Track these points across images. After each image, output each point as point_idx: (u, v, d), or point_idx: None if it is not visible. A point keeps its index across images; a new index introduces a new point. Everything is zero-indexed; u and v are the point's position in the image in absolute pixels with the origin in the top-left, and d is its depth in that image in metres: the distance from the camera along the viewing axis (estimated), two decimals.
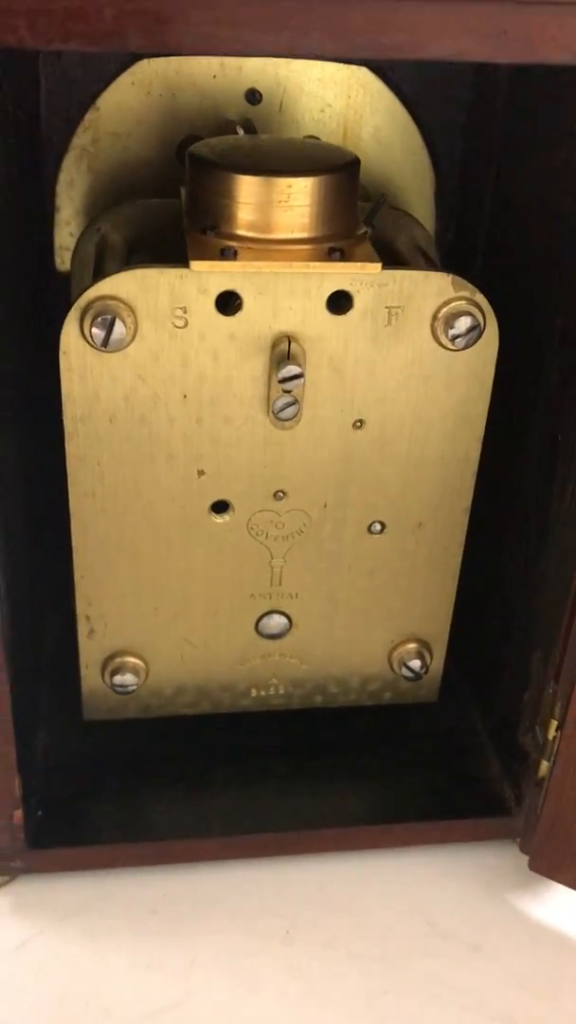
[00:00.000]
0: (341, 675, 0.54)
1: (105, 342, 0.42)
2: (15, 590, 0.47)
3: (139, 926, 0.49)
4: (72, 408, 0.45)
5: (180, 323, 0.43)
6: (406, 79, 0.55)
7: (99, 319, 0.42)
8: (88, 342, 0.43)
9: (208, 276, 0.43)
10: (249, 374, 0.45)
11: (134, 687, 0.52)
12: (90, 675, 0.52)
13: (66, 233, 0.56)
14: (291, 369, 0.44)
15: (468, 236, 0.58)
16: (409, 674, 0.54)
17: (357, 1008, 0.47)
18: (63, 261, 0.57)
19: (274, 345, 0.44)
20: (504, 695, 0.54)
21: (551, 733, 0.48)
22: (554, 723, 0.48)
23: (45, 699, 0.57)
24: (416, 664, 0.54)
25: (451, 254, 0.59)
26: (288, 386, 0.44)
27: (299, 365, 0.44)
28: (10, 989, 0.46)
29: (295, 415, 0.46)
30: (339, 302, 0.44)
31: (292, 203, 0.43)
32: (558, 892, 0.52)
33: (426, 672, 0.54)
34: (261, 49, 0.32)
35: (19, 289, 0.50)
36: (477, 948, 0.50)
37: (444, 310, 0.45)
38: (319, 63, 0.53)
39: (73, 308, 0.42)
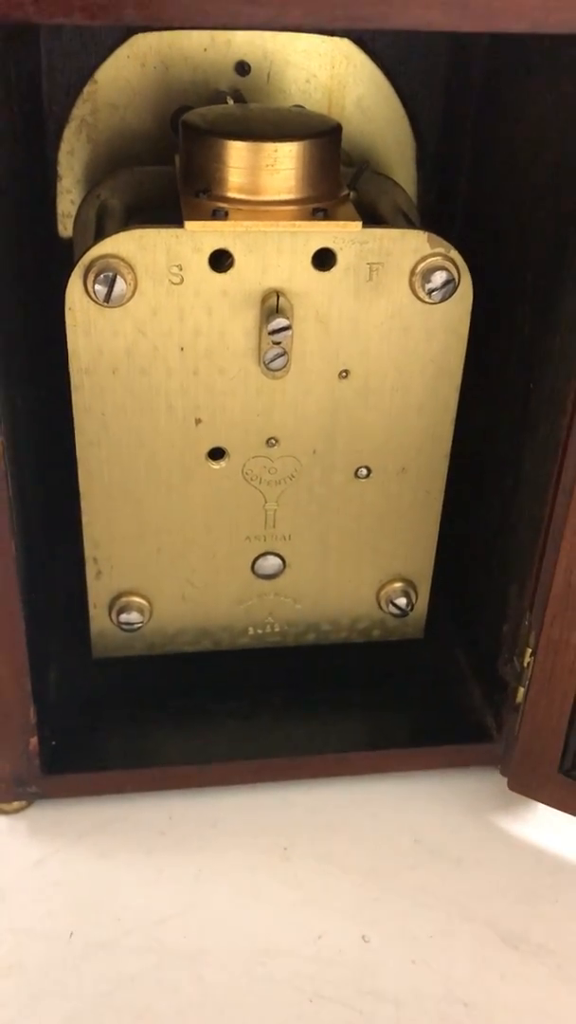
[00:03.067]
0: (332, 614, 0.58)
1: (107, 298, 0.46)
2: (28, 535, 0.50)
3: (148, 845, 0.53)
4: (77, 361, 0.48)
5: (176, 280, 0.47)
6: (387, 50, 0.58)
7: (101, 276, 0.45)
8: (91, 298, 0.46)
9: (202, 235, 0.46)
10: (241, 327, 0.48)
11: (139, 624, 0.55)
12: (98, 615, 0.56)
13: (68, 201, 0.59)
14: (279, 322, 0.47)
15: (448, 198, 0.61)
16: (396, 611, 0.58)
17: (350, 913, 0.50)
18: (65, 228, 0.60)
19: (264, 300, 0.48)
20: (485, 630, 0.58)
21: (526, 660, 0.52)
22: (529, 651, 0.51)
23: (56, 639, 0.60)
24: (402, 602, 0.57)
25: (432, 216, 0.62)
26: (277, 338, 0.48)
27: (287, 318, 0.47)
28: (30, 899, 0.50)
29: (285, 366, 0.49)
30: (324, 259, 0.47)
31: (278, 167, 0.46)
32: (536, 812, 0.56)
33: (412, 609, 0.58)
34: (247, 21, 0.35)
35: (26, 254, 0.53)
36: (460, 861, 0.53)
37: (421, 265, 0.48)
38: (304, 36, 0.56)
39: (77, 266, 0.46)
